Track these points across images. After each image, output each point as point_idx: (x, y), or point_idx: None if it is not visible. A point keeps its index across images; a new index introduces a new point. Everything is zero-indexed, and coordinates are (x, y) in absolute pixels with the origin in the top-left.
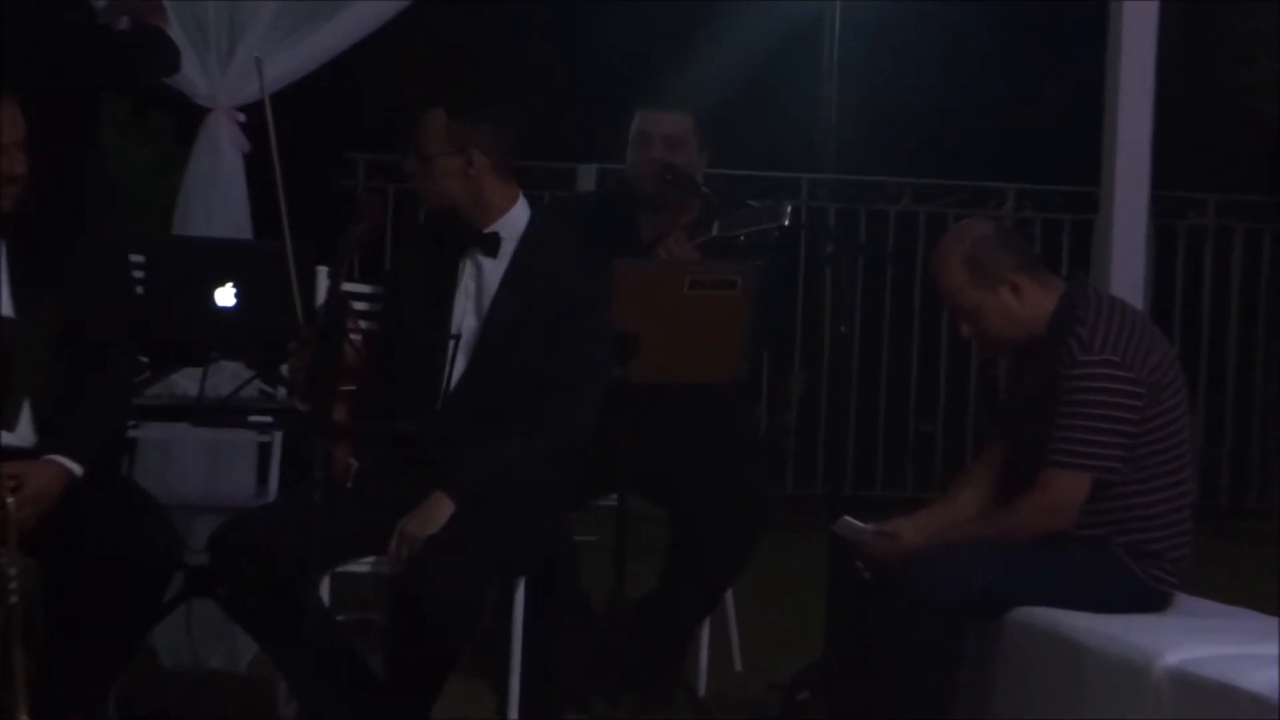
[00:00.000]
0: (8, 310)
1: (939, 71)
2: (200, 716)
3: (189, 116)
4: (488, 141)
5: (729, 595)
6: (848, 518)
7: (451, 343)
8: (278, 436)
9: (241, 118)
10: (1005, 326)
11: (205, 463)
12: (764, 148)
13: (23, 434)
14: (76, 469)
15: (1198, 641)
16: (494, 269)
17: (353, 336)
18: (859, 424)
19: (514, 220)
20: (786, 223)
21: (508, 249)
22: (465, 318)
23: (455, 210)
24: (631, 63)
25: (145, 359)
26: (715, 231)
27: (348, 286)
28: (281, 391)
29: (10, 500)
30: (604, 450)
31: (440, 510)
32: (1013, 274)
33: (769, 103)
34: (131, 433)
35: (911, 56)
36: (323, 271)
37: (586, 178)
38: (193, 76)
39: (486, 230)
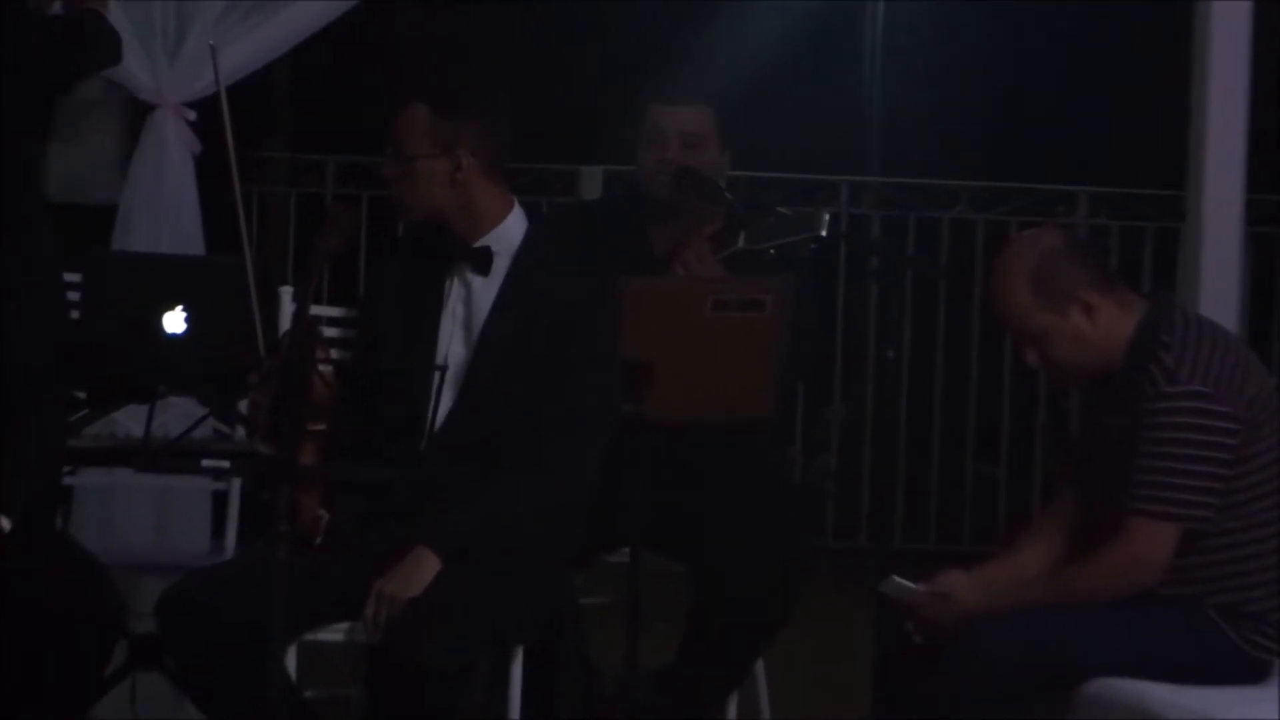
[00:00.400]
0: None
1: (998, 60)
2: None
3: (132, 114)
4: (478, 141)
5: (759, 666)
6: (897, 577)
7: (437, 375)
8: (235, 484)
9: (192, 115)
10: (1077, 353)
11: (152, 514)
12: (797, 147)
13: None
14: (4, 523)
15: None
16: (485, 289)
17: (322, 368)
18: (909, 466)
19: (508, 232)
20: (824, 233)
21: (501, 265)
22: (452, 346)
23: (440, 221)
24: (642, 51)
25: (81, 395)
26: (741, 244)
27: (316, 310)
28: (240, 431)
29: None
30: (613, 499)
31: (424, 569)
32: (1086, 292)
33: (802, 95)
34: (67, 480)
35: (966, 43)
36: (287, 292)
37: (591, 182)
38: (135, 69)
39: (476, 244)
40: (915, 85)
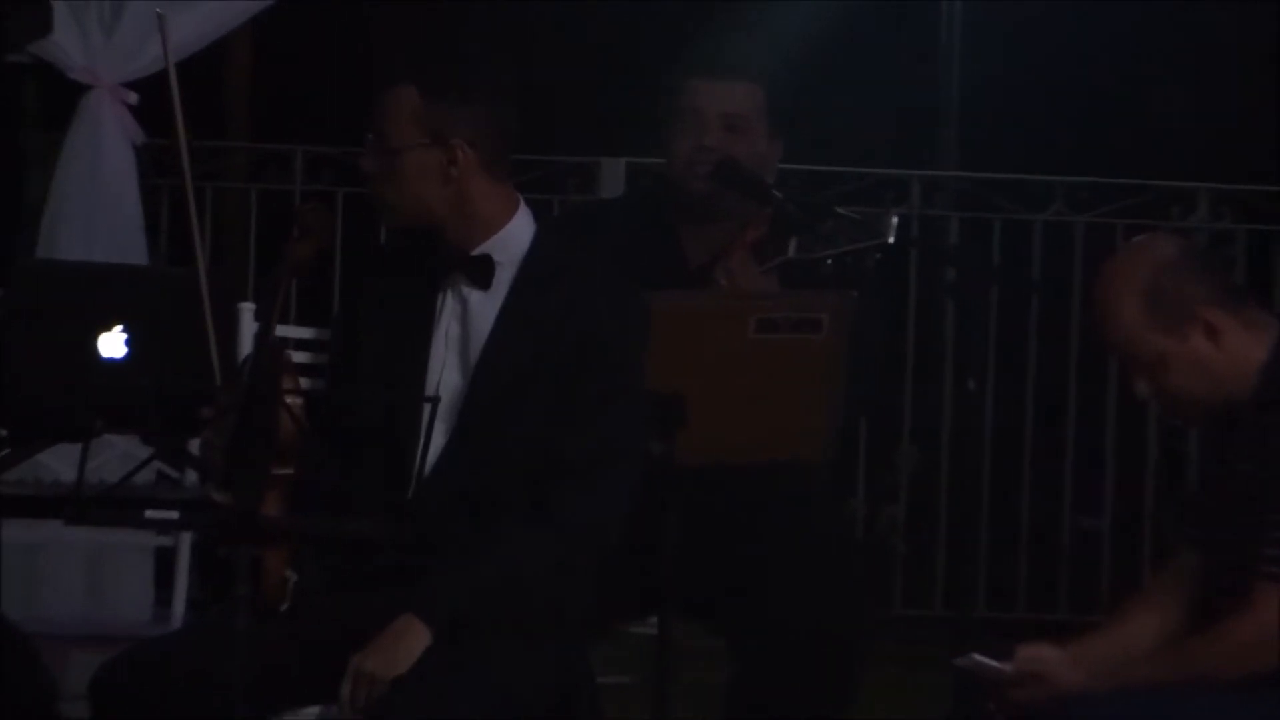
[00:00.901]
0: None
1: (1097, 38)
2: None
3: (61, 95)
4: (476, 128)
5: None
6: (978, 655)
7: (427, 408)
8: (185, 539)
9: (133, 98)
10: (1197, 383)
11: (86, 575)
12: (859, 135)
13: None
14: None
15: None
16: (485, 306)
17: (290, 400)
18: (993, 518)
19: (512, 238)
20: (891, 239)
21: (504, 278)
22: (445, 373)
23: (431, 225)
24: (675, 19)
25: (1, 432)
26: (792, 252)
27: (283, 330)
28: (192, 476)
29: None
30: (638, 558)
31: (411, 642)
32: (1208, 310)
33: (867, 75)
34: None
35: (1060, 19)
36: (248, 310)
37: (612, 177)
38: (66, 43)
39: (474, 252)
40: (999, 64)
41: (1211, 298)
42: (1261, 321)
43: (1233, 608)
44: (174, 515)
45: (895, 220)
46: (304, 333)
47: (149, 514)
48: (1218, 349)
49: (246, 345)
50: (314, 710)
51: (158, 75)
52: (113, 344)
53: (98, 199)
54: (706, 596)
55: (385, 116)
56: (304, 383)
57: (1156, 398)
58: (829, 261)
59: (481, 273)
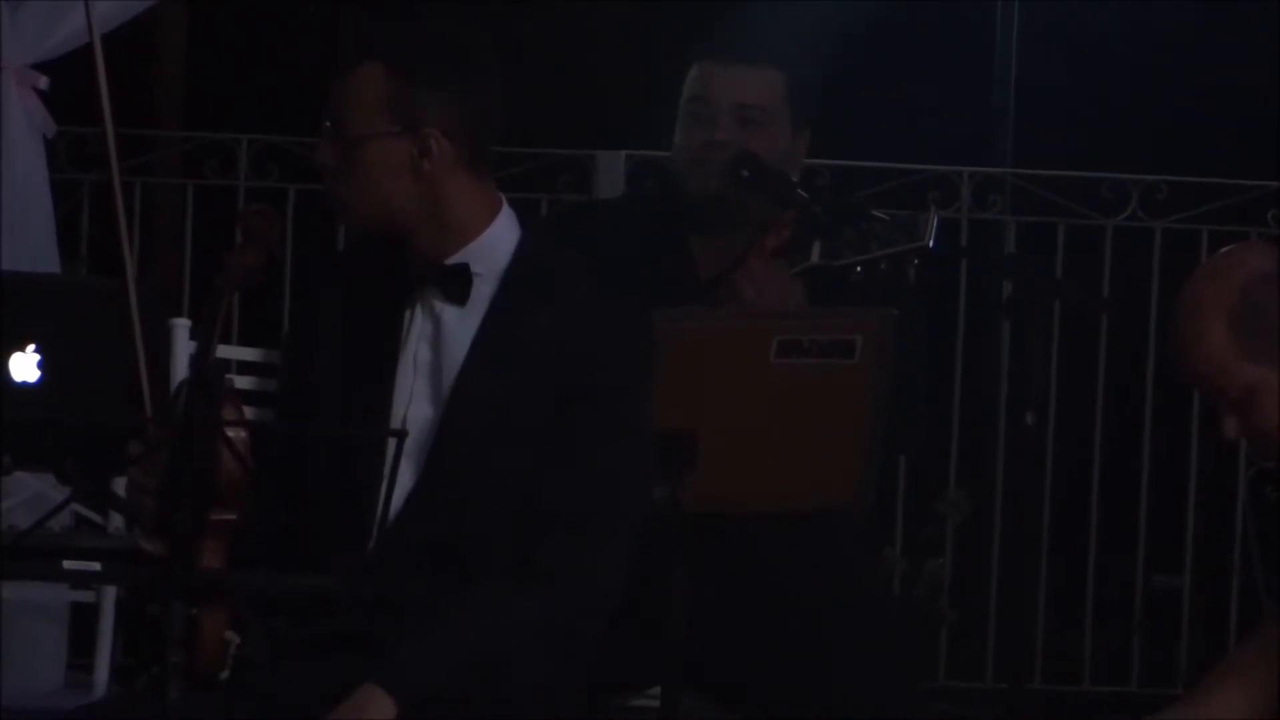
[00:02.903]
0: None
1: (1180, 15)
2: None
3: None
4: (452, 116)
5: None
6: None
7: (392, 444)
8: (109, 594)
9: (43, 82)
10: None
11: None
12: (898, 126)
13: None
14: None
15: None
16: (461, 324)
17: (233, 434)
18: (1054, 575)
19: (493, 245)
20: (930, 243)
21: (483, 292)
22: (414, 403)
23: (399, 229)
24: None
25: None
26: (815, 258)
27: (225, 352)
28: (117, 522)
29: None
30: (640, 619)
31: (372, 716)
32: None
33: (907, 56)
34: None
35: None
36: (183, 327)
37: (610, 173)
38: None
39: (449, 261)
40: (1063, 44)
41: None
42: None
43: None
44: (96, 567)
45: (935, 221)
46: (249, 354)
47: (67, 565)
48: None
49: (181, 369)
50: None
51: (74, 55)
52: (24, 367)
53: (3, 198)
54: (718, 667)
55: (346, 100)
56: (249, 413)
57: (1247, 437)
58: (858, 270)
59: (457, 285)
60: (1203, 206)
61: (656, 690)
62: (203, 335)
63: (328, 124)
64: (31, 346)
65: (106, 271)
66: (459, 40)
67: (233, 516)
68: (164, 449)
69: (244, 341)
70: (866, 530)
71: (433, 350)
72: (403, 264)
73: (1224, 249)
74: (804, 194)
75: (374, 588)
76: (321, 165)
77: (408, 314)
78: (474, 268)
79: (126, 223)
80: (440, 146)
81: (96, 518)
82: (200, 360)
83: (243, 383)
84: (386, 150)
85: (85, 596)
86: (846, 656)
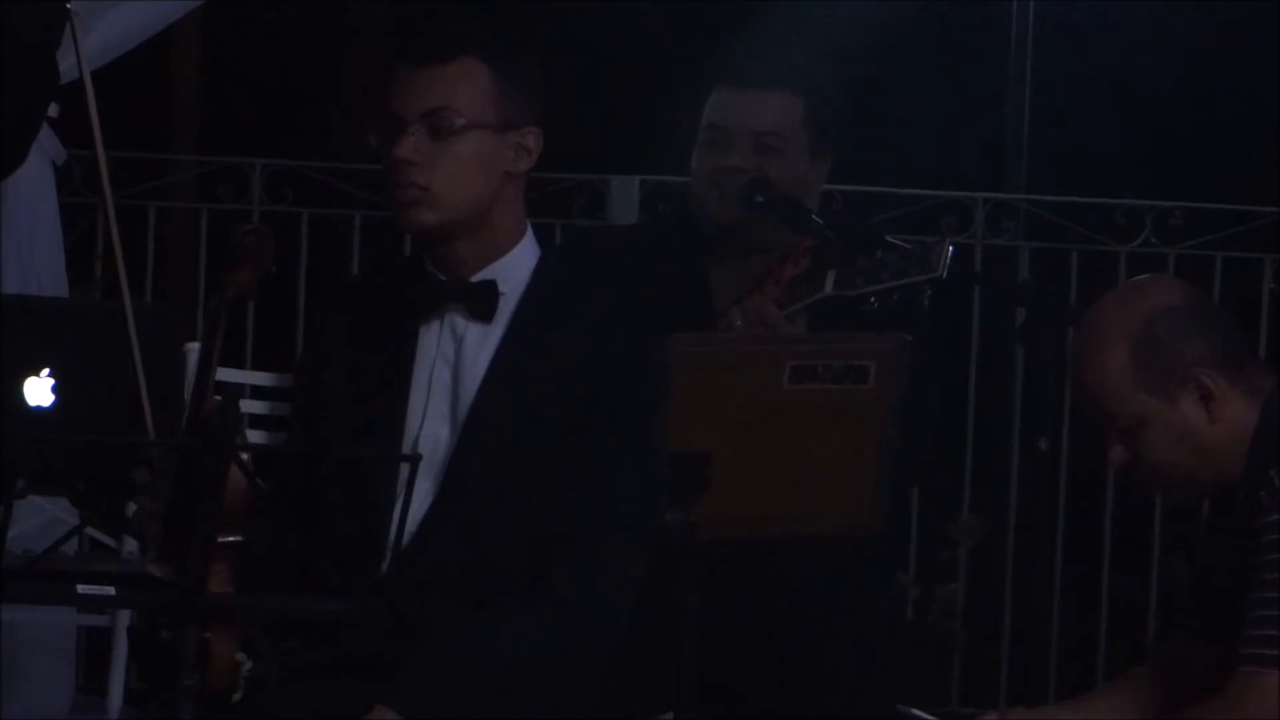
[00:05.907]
0: None
1: (1196, 38)
2: None
3: None
4: (538, 127)
5: None
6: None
7: (406, 467)
8: (121, 619)
9: (53, 110)
10: (1180, 455)
11: None
12: (913, 152)
13: None
14: None
15: None
16: (480, 344)
17: (242, 456)
18: (1068, 601)
19: (516, 263)
20: (944, 274)
21: (504, 311)
22: (429, 424)
23: (466, 226)
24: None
25: None
26: (829, 288)
27: (239, 377)
28: (129, 545)
29: None
30: (653, 644)
31: None
32: (1205, 372)
33: (921, 84)
34: None
35: (1150, 20)
36: (193, 351)
37: (624, 198)
38: None
39: (475, 278)
40: (1077, 71)
41: (1212, 358)
42: (1264, 388)
43: (1211, 696)
44: (110, 591)
45: (950, 251)
46: (263, 379)
47: (81, 589)
48: (1210, 419)
49: (188, 391)
50: None
51: (92, 78)
52: (39, 391)
53: (14, 225)
54: (731, 692)
55: (446, 90)
56: (261, 437)
57: (1131, 467)
58: (873, 300)
59: (483, 302)
60: (1217, 233)
61: (669, 716)
62: (203, 356)
63: (419, 116)
64: (46, 370)
65: (121, 294)
66: (539, 56)
67: (237, 538)
68: (172, 473)
69: (257, 366)
70: (879, 555)
71: (452, 370)
72: (418, 286)
73: (1135, 278)
74: (818, 220)
75: (386, 611)
76: (405, 159)
77: (425, 335)
78: (500, 285)
79: (137, 246)
80: (534, 153)
81: (108, 541)
82: (201, 382)
83: (256, 407)
84: (486, 143)
85: (97, 620)
86: (858, 680)
